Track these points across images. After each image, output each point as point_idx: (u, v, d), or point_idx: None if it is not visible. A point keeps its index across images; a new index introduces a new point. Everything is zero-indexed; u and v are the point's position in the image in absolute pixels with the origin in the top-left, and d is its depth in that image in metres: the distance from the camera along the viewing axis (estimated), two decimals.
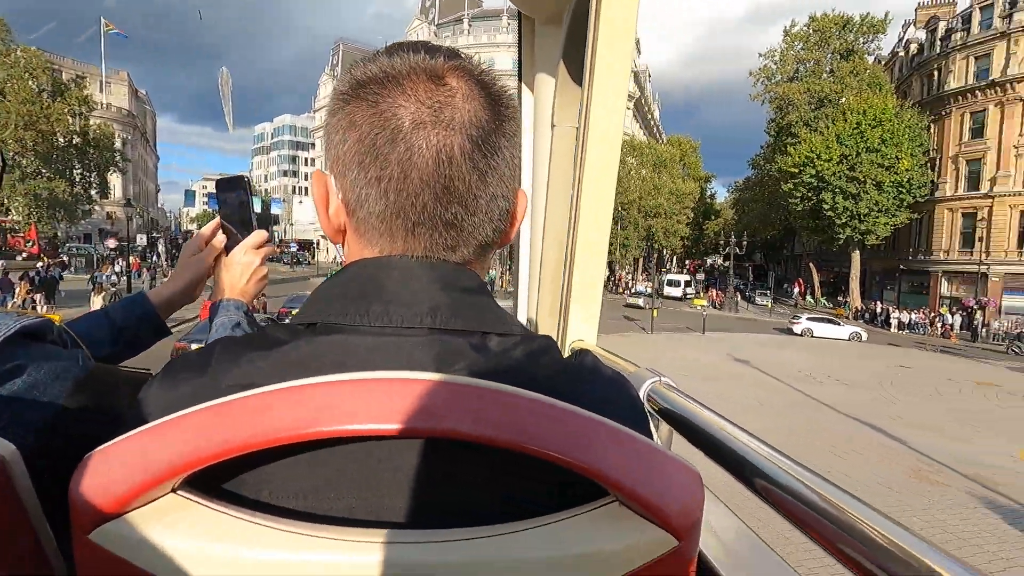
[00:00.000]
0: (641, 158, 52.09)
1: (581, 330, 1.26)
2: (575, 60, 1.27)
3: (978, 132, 36.67)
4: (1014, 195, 34.65)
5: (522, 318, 1.65)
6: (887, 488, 7.90)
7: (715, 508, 0.69)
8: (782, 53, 44.37)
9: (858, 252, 40.93)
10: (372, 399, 0.38)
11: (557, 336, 1.28)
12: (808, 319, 30.74)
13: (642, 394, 0.80)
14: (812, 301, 52.60)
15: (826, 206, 37.06)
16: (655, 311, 25.35)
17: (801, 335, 28.47)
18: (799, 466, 0.52)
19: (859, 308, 41.84)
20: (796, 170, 37.91)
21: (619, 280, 54.86)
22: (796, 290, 58.74)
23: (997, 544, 6.38)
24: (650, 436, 0.48)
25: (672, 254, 65.21)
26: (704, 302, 41.94)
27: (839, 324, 30.80)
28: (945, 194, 38.01)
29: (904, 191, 36.50)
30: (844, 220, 37.24)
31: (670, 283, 49.68)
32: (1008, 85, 34.78)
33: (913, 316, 36.79)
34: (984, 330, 33.75)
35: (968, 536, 6.53)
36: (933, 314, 36.93)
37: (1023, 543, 6.44)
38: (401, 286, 0.48)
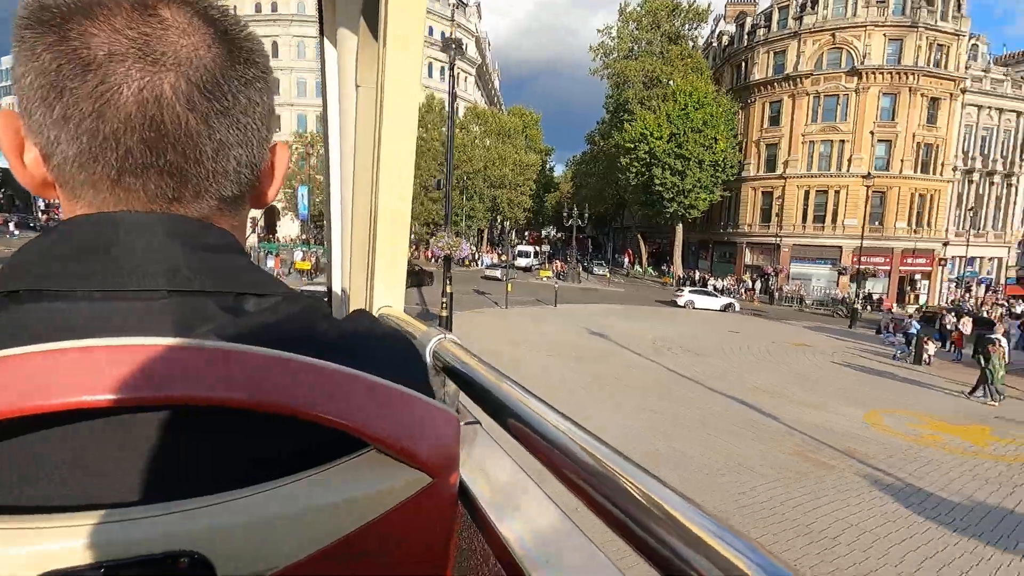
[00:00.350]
0: (485, 126, 50.84)
1: (385, 297, 1.28)
2: (374, 15, 1.17)
3: (775, 120, 41.80)
4: (801, 177, 40.29)
5: (337, 290, 1.60)
6: (779, 471, 7.42)
7: (494, 455, 0.74)
8: (618, 30, 45.89)
9: (680, 226, 44.69)
10: (86, 369, 0.35)
11: (366, 304, 1.30)
12: (691, 291, 31.87)
13: (428, 352, 0.86)
14: (640, 270, 56.94)
15: (657, 181, 39.47)
16: (510, 285, 24.27)
17: (684, 307, 29.58)
18: (564, 419, 0.54)
19: (680, 276, 46.00)
20: (631, 145, 39.67)
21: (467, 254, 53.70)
22: (626, 260, 63.44)
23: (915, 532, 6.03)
24: (428, 390, 0.52)
25: (514, 225, 65.94)
26: (550, 273, 42.61)
27: (716, 296, 32.58)
28: (750, 174, 42.94)
29: (719, 170, 40.33)
30: (672, 195, 40.10)
31: (521, 254, 49.82)
32: (798, 79, 39.93)
33: (723, 282, 41.39)
34: (777, 293, 39.25)
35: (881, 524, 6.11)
36: (739, 280, 42.02)
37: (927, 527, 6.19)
38: (130, 244, 0.43)
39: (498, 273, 36.05)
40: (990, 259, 43.34)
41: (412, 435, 0.44)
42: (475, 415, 0.81)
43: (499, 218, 55.05)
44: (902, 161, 38.86)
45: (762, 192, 42.81)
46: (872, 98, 38.35)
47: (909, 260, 39.89)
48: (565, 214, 48.98)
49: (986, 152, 42.41)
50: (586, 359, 14.57)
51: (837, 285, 39.82)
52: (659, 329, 21.01)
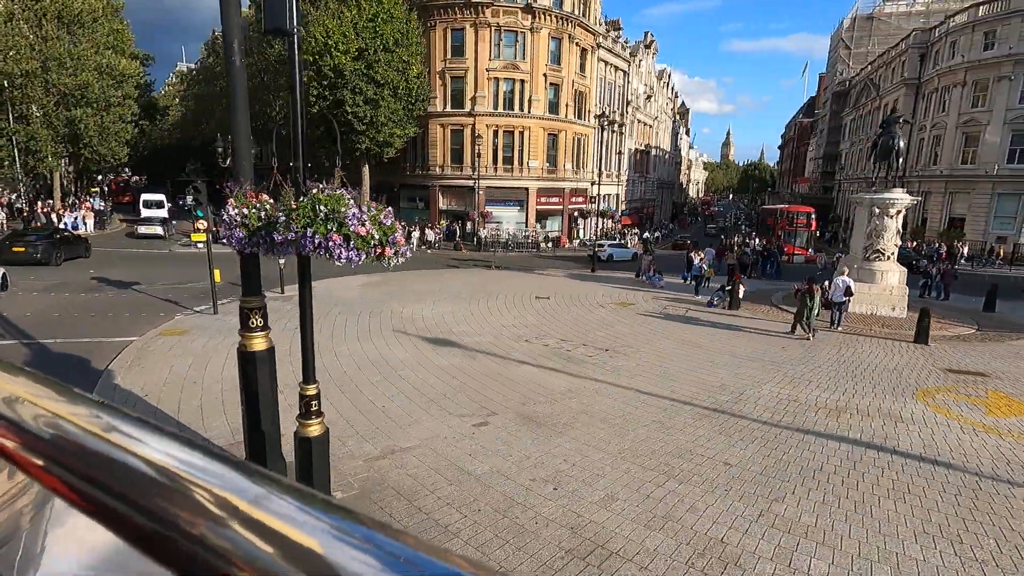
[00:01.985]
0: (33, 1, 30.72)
1: None
2: None
3: (459, 50, 38.43)
4: (490, 115, 38.66)
5: None
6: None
7: None
8: None
9: (367, 167, 37.69)
10: None
11: None
12: (610, 245, 35.94)
13: None
14: None
15: (349, 110, 31.24)
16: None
17: (607, 260, 32.26)
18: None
19: None
20: (312, 58, 29.90)
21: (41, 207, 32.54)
22: None
23: None
24: None
25: (100, 167, 44.71)
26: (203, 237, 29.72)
27: (627, 247, 37.40)
28: (437, 109, 38.91)
29: (411, 102, 34.86)
30: (363, 128, 32.63)
31: (148, 204, 33.84)
32: (480, 8, 37.18)
33: (429, 231, 37.33)
34: (475, 239, 37.65)
35: None
36: (439, 226, 38.67)
37: None
38: None
39: (159, 229, 31.46)
40: (614, 196, 52.46)
41: None
42: None
43: (84, 156, 35.72)
44: (567, 106, 41.61)
45: (451, 130, 39.61)
46: (544, 40, 39.03)
47: (574, 200, 44.14)
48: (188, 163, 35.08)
49: (606, 103, 49.89)
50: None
51: (527, 226, 40.96)
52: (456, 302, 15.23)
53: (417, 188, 41.68)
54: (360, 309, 16.05)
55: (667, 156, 75.69)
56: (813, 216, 43.68)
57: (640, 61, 54.27)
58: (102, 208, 38.54)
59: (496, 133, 38.68)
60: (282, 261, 16.93)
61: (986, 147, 37.75)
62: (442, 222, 39.99)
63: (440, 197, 40.88)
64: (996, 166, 37.20)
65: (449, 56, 38.48)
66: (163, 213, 38.70)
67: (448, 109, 39.16)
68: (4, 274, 16.23)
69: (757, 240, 40.63)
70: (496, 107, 38.87)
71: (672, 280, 23.31)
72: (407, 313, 15.70)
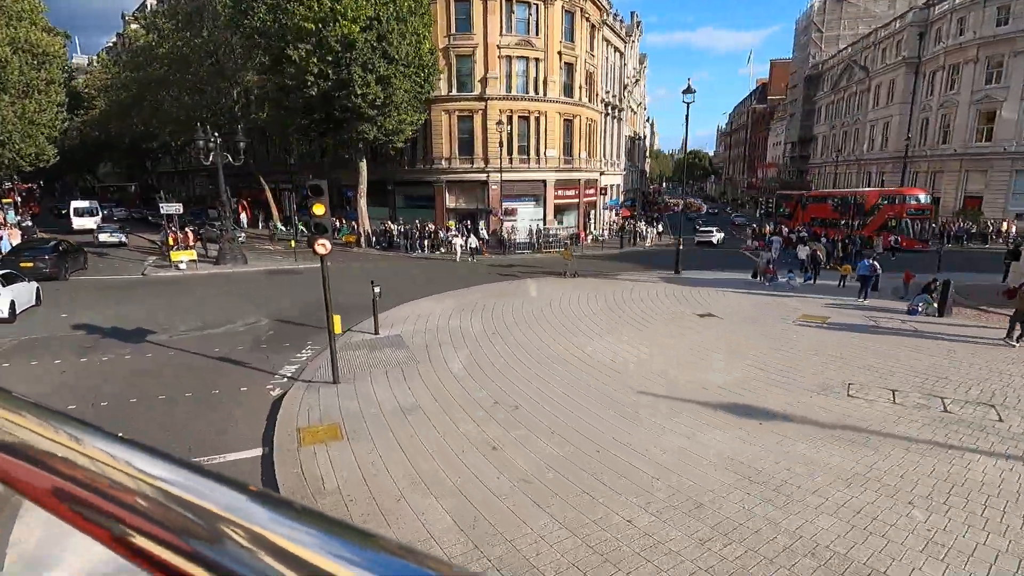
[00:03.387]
0: None
1: None
2: None
3: (465, 24, 33.44)
4: (502, 99, 34.00)
5: None
6: None
7: None
8: None
9: (365, 161, 32.05)
10: None
11: None
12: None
13: None
14: (281, 229, 40.78)
15: (358, 90, 25.69)
16: None
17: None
18: None
19: (371, 231, 33.91)
20: (315, 26, 24.12)
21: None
22: (244, 216, 44.63)
23: None
24: None
25: (32, 163, 35.76)
26: (192, 255, 23.39)
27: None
28: (441, 93, 33.75)
29: (421, 83, 29.67)
30: (373, 113, 27.17)
31: (79, 212, 26.81)
32: None
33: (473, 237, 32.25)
34: (500, 239, 33.06)
35: None
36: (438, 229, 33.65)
37: None
38: None
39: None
40: (614, 187, 49.08)
41: None
42: None
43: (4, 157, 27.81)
44: (580, 88, 37.62)
45: (459, 117, 34.57)
46: (557, 13, 34.73)
47: (588, 192, 40.31)
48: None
49: (607, 86, 46.35)
50: None
51: (544, 222, 36.66)
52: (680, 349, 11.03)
53: (418, 185, 36.28)
54: (510, 348, 11.40)
55: (644, 144, 73.64)
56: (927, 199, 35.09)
57: (633, 42, 51.19)
58: (29, 225, 30.60)
59: (511, 119, 34.06)
60: (377, 289, 12.01)
61: (1003, 124, 37.42)
62: (451, 223, 34.92)
63: (447, 194, 35.79)
64: (1015, 142, 36.93)
65: (454, 31, 33.39)
66: (94, 223, 31.44)
67: (454, 93, 34.09)
68: (38, 288, 15.60)
69: (788, 230, 38.35)
70: (510, 90, 34.24)
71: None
72: (580, 354, 11.24)
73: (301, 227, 40.38)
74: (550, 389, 9.32)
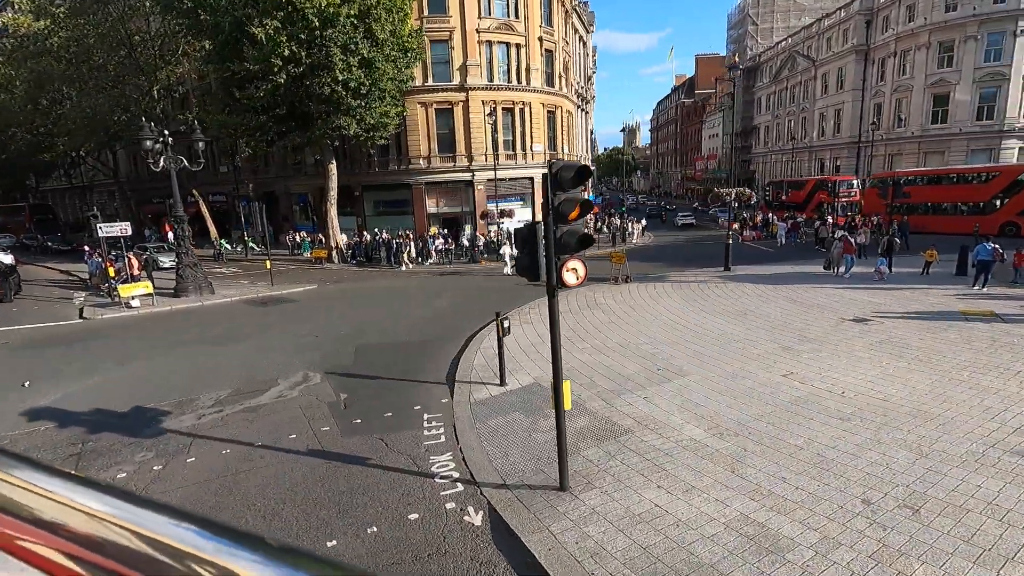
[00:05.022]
0: None
1: None
2: None
3: (439, 5, 29.71)
4: (484, 89, 30.62)
5: None
6: None
7: None
8: None
9: (335, 163, 27.49)
10: None
11: None
12: None
13: None
14: (227, 247, 35.13)
15: (340, 75, 21.44)
16: None
17: None
18: None
19: (345, 244, 29.33)
20: (295, 2, 19.64)
21: None
22: (170, 234, 37.94)
23: None
24: None
25: None
26: (148, 286, 18.13)
27: None
28: (417, 83, 29.80)
29: (402, 69, 25.70)
30: (355, 104, 22.97)
31: None
32: None
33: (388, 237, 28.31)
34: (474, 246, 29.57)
35: None
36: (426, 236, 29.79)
37: None
38: None
39: None
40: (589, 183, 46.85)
41: None
42: None
43: None
44: (560, 76, 34.99)
45: (436, 110, 30.77)
46: None
47: None
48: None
49: (577, 77, 44.11)
50: None
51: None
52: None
53: (392, 189, 32.04)
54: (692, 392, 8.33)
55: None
56: None
57: (591, 32, 49.34)
58: None
59: (494, 111, 30.74)
60: (507, 323, 8.60)
61: (957, 106, 38.97)
62: (433, 228, 31.05)
63: (426, 198, 31.84)
64: (969, 123, 38.55)
65: (427, 13, 29.55)
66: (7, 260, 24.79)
67: (431, 83, 30.26)
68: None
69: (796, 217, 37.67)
70: (492, 79, 30.91)
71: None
72: (813, 390, 8.37)
73: (251, 244, 34.89)
74: (889, 462, 6.33)
